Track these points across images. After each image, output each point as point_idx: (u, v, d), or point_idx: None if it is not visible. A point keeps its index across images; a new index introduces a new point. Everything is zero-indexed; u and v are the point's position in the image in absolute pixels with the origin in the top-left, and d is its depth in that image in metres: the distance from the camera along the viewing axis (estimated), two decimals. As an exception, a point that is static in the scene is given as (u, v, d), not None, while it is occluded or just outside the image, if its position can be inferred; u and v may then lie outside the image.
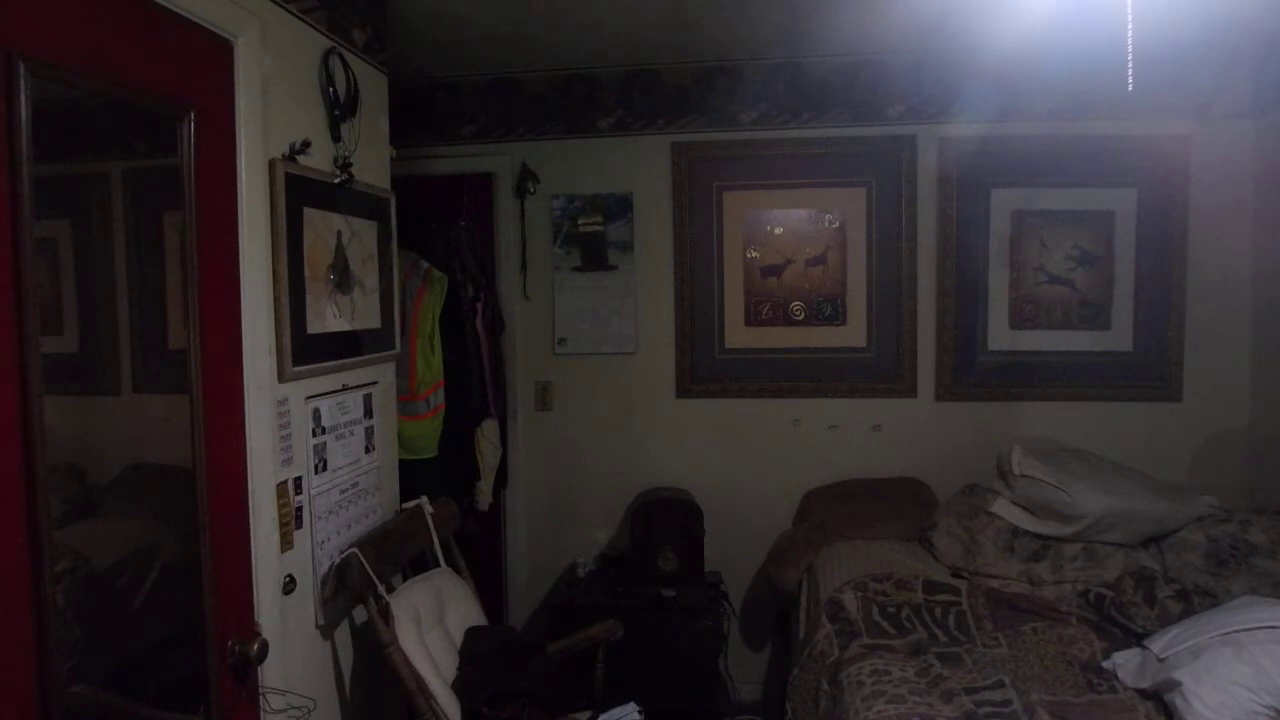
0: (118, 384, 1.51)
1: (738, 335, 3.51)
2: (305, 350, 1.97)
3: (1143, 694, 2.06)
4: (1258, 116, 3.21)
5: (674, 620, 3.09)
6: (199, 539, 1.60)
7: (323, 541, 2.08)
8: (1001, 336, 3.40)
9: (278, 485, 1.88)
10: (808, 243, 3.46)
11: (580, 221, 3.54)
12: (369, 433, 2.35)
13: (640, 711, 2.29)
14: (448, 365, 3.10)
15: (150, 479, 1.58)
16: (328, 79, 2.12)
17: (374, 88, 2.41)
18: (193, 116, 1.57)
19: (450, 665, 2.23)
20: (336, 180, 2.12)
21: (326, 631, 2.12)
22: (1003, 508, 2.80)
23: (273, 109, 1.85)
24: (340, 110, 2.16)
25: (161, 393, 1.61)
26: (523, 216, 3.56)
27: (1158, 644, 2.11)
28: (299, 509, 1.97)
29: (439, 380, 3.05)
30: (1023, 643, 2.32)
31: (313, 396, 2.05)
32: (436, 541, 2.45)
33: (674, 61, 3.38)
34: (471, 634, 2.35)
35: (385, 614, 2.05)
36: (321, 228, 2.06)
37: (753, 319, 3.50)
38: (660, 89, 3.44)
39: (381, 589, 2.08)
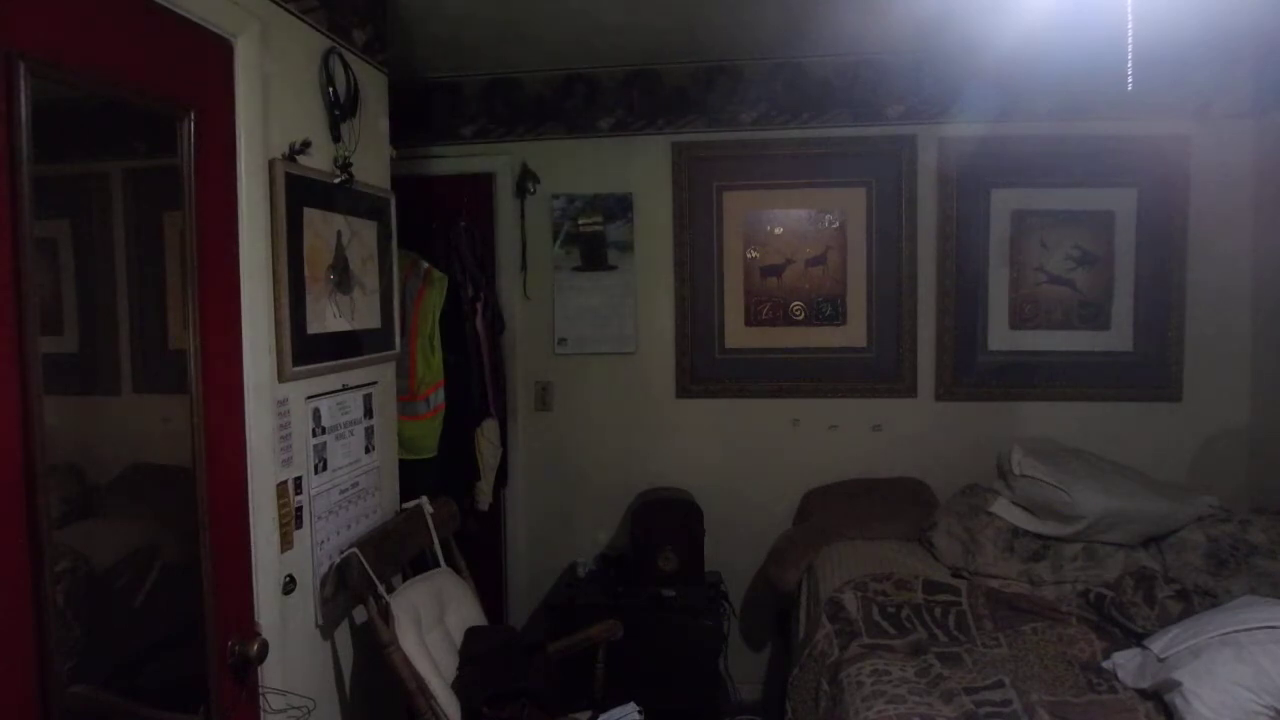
0: (118, 384, 1.51)
1: (738, 335, 3.51)
2: (305, 350, 1.97)
3: (1143, 694, 2.06)
4: (1258, 116, 3.21)
5: (674, 620, 3.09)
6: (199, 539, 1.60)
7: (323, 541, 2.08)
8: (1001, 336, 3.39)
9: (278, 485, 1.88)
10: (808, 243, 3.46)
11: (580, 221, 3.54)
12: (369, 433, 2.35)
13: (640, 711, 2.29)
14: (448, 365, 3.10)
15: (150, 479, 1.58)
16: (328, 79, 2.12)
17: (374, 88, 2.41)
18: (193, 116, 1.57)
19: (450, 665, 2.23)
20: (336, 180, 2.12)
21: (326, 631, 2.12)
22: (1003, 508, 2.80)
23: (273, 109, 1.85)
24: (340, 110, 2.16)
25: (161, 393, 1.61)
26: (523, 216, 3.56)
27: (1158, 644, 2.11)
28: (299, 509, 1.97)
29: (439, 380, 3.05)
30: (1023, 643, 2.32)
31: (313, 396, 2.05)
32: (436, 541, 2.45)
33: (674, 61, 3.38)
34: (471, 634, 2.35)
35: (385, 614, 2.05)
36: (321, 228, 2.06)
37: (753, 319, 3.50)
38: (660, 89, 3.44)
39: (381, 589, 2.08)
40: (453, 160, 3.56)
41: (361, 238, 2.28)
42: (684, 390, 3.54)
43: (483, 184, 3.58)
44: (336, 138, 2.16)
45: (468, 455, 3.26)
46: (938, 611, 2.46)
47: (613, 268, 3.54)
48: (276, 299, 1.87)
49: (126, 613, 1.50)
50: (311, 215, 2.01)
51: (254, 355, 1.79)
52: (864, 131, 3.39)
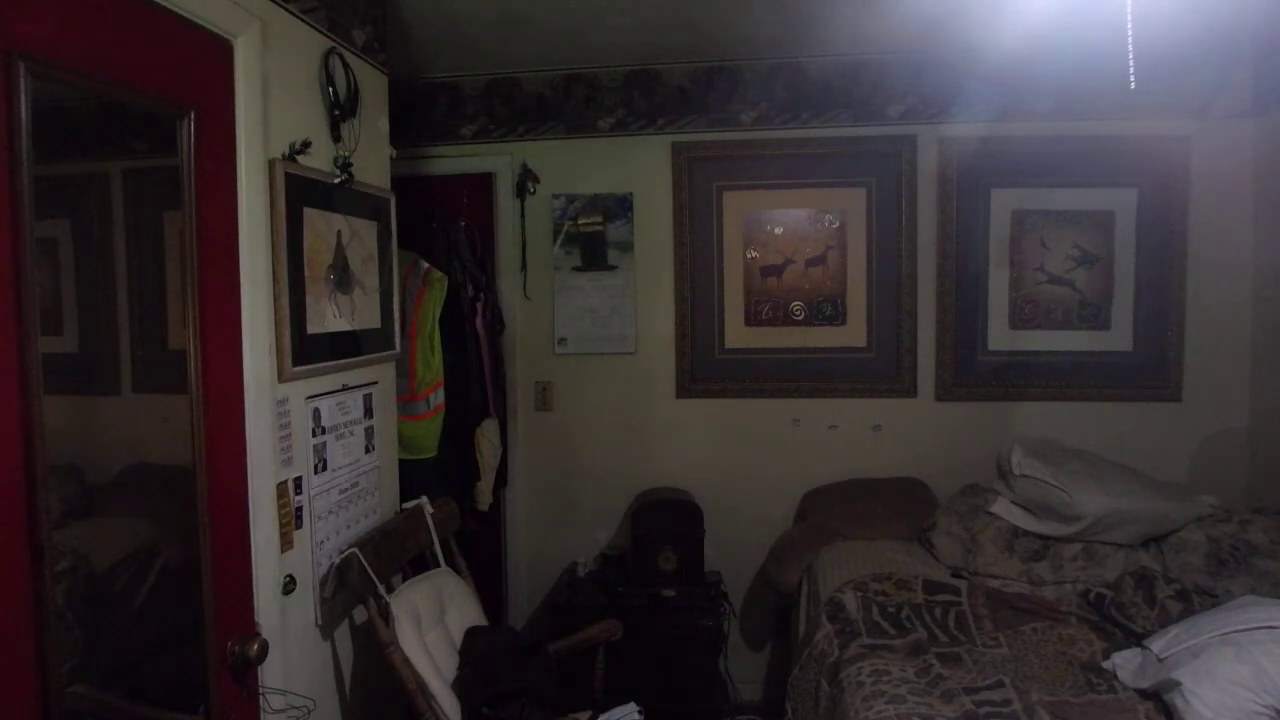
0: (118, 384, 1.51)
1: (738, 335, 3.52)
2: (305, 350, 1.97)
3: (1143, 694, 2.06)
4: (1258, 116, 3.21)
5: (674, 620, 3.09)
6: (199, 539, 1.60)
7: (322, 541, 2.08)
8: (1001, 336, 3.40)
9: (278, 485, 1.88)
10: (808, 243, 3.46)
11: (580, 221, 3.54)
12: (369, 433, 2.35)
13: (640, 711, 2.29)
14: (448, 365, 3.10)
15: (150, 479, 1.58)
16: (328, 79, 2.12)
17: (374, 88, 2.41)
18: (192, 116, 1.57)
19: (450, 665, 2.23)
20: (336, 180, 2.12)
21: (326, 631, 2.12)
22: (1003, 508, 2.80)
23: (273, 109, 1.85)
24: (340, 110, 2.16)
25: (161, 393, 1.61)
26: (523, 216, 3.56)
27: (1158, 644, 2.11)
28: (299, 509, 1.97)
29: (439, 380, 3.05)
30: (1023, 643, 2.32)
31: (313, 396, 2.05)
32: (436, 541, 2.45)
33: (674, 61, 3.38)
34: (471, 634, 2.35)
35: (385, 614, 2.05)
36: (321, 228, 2.06)
37: (753, 319, 3.50)
38: (660, 89, 3.44)
39: (381, 589, 2.08)
40: (453, 160, 3.56)
41: (361, 238, 2.28)
42: (684, 390, 3.54)
43: (483, 184, 3.58)
44: (336, 138, 2.16)
45: (468, 455, 3.26)
46: (938, 611, 2.46)
47: (613, 268, 3.54)
48: (276, 299, 1.87)
49: (126, 613, 1.50)
50: (311, 215, 2.01)
51: (254, 355, 1.79)
52: (864, 131, 3.39)
